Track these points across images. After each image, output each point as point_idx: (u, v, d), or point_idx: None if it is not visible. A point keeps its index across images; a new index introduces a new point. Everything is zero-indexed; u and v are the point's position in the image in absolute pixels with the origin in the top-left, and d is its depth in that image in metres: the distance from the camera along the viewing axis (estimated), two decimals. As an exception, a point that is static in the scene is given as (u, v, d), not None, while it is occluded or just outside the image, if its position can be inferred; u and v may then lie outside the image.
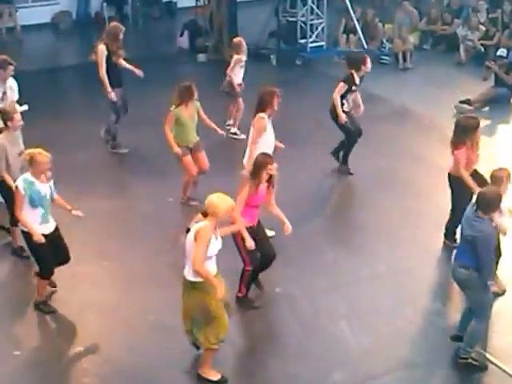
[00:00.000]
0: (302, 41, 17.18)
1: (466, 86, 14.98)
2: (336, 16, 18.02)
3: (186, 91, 9.91)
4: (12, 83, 10.16)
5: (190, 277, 6.66)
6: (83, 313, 8.08)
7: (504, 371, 7.18)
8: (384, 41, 17.52)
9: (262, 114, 9.18)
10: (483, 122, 13.34)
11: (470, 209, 6.95)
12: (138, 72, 11.68)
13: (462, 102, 13.82)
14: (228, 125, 12.67)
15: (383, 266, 8.91)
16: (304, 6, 17.00)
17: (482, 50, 16.88)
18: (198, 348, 7.15)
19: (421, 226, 9.76)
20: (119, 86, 11.57)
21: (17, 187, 7.65)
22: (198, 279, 6.63)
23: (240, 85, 12.54)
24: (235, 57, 12.46)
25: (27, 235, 7.79)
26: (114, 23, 11.80)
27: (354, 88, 10.92)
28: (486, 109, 14.09)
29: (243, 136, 11.39)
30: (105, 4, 20.49)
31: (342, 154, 11.28)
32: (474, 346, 7.20)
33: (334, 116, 10.95)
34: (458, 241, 7.62)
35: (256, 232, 7.86)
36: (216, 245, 6.71)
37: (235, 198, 7.56)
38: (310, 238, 9.55)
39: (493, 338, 7.67)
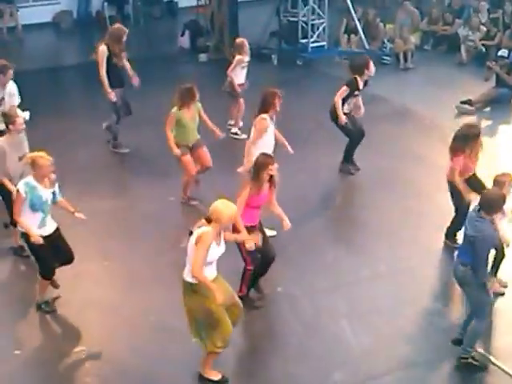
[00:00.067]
0: (303, 41, 17.18)
1: (467, 86, 14.98)
2: (337, 16, 18.01)
3: (188, 93, 9.90)
4: (12, 88, 10.13)
5: (189, 278, 6.67)
6: (84, 312, 8.08)
7: (504, 371, 7.19)
8: (385, 41, 17.52)
9: (264, 115, 9.20)
10: (484, 123, 13.47)
11: (474, 209, 6.98)
12: (134, 80, 11.67)
13: (463, 102, 13.83)
14: (229, 125, 12.69)
15: (384, 266, 8.92)
16: (305, 6, 16.99)
17: (483, 50, 16.88)
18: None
19: (421, 226, 9.76)
20: (119, 87, 11.56)
21: (18, 190, 7.64)
22: (196, 281, 6.65)
23: (242, 85, 12.54)
24: (237, 57, 12.46)
25: (26, 236, 7.78)
26: (117, 25, 11.77)
27: (356, 93, 10.91)
28: (487, 109, 14.08)
29: (244, 136, 11.40)
30: (106, 3, 20.50)
31: (344, 153, 11.28)
32: (474, 345, 7.20)
33: (334, 117, 10.95)
34: (460, 241, 7.62)
35: (256, 232, 7.85)
36: (217, 250, 6.68)
37: (236, 198, 7.59)
38: (310, 237, 9.55)
39: (493, 338, 7.68)
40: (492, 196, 6.87)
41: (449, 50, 17.63)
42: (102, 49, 11.31)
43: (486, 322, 7.20)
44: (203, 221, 6.66)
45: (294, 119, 12.78)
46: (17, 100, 10.12)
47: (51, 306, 8.13)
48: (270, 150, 8.98)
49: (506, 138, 12.84)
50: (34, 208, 7.63)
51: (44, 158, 7.61)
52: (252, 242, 7.56)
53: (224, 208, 6.58)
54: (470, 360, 7.18)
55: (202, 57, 17.29)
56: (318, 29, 17.24)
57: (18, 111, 9.13)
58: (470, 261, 6.91)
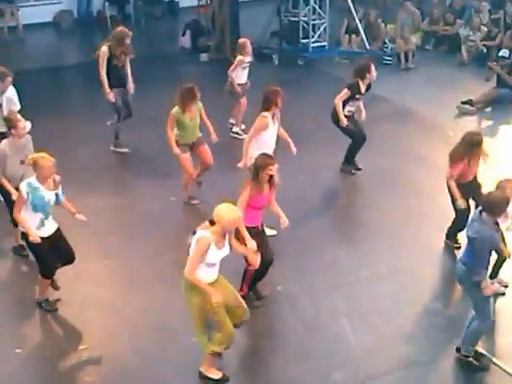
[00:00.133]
0: (304, 41, 17.17)
1: (468, 86, 14.98)
2: (338, 16, 18.01)
3: (188, 93, 9.88)
4: (11, 93, 10.10)
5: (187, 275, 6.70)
6: (85, 312, 8.09)
7: (505, 371, 7.19)
8: (386, 41, 17.50)
9: (265, 113, 9.20)
10: (485, 123, 13.48)
11: (476, 210, 6.99)
12: (129, 86, 11.66)
13: (463, 102, 13.82)
14: (231, 124, 12.70)
15: (384, 266, 8.92)
16: (306, 6, 16.99)
17: (484, 50, 16.87)
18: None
19: (422, 226, 9.76)
20: (119, 87, 11.57)
21: (20, 190, 7.63)
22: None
23: (242, 85, 12.52)
24: (238, 58, 12.45)
25: (26, 235, 7.78)
26: (120, 28, 11.74)
27: (357, 96, 10.89)
28: (488, 109, 14.08)
29: (245, 136, 11.39)
30: (107, 3, 20.50)
31: (345, 154, 11.28)
32: (475, 344, 7.20)
33: (336, 120, 10.93)
34: (461, 241, 7.64)
35: (258, 234, 7.85)
36: (218, 253, 6.65)
37: (236, 197, 7.58)
38: (311, 237, 9.56)
39: (494, 338, 7.68)
40: (495, 198, 6.86)
41: (450, 51, 17.62)
42: (104, 50, 11.34)
43: (488, 323, 7.20)
44: (207, 223, 6.66)
45: (295, 119, 12.75)
46: (17, 105, 10.11)
47: (52, 304, 8.14)
48: (270, 150, 8.98)
49: (507, 138, 12.83)
50: (35, 209, 7.62)
51: (45, 158, 7.59)
52: (254, 242, 7.53)
53: (226, 211, 6.55)
54: (470, 359, 7.19)
55: (203, 56, 17.30)
56: (318, 29, 17.23)
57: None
58: (468, 260, 6.94)
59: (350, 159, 11.29)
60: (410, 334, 7.77)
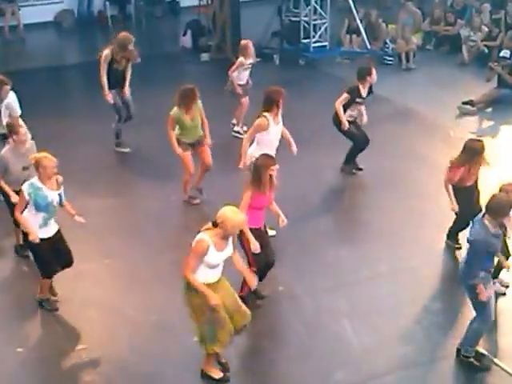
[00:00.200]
0: (305, 41, 17.15)
1: (468, 86, 14.96)
2: (339, 16, 18.00)
3: (188, 94, 9.87)
4: (12, 99, 10.09)
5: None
6: (85, 311, 8.09)
7: (506, 371, 7.18)
8: (387, 41, 17.48)
9: (265, 113, 9.18)
10: (486, 123, 13.47)
11: (480, 213, 6.97)
12: (124, 90, 11.64)
13: (464, 102, 13.81)
14: (232, 123, 12.70)
15: (385, 266, 8.91)
16: (307, 6, 16.95)
17: (485, 50, 16.85)
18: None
19: (423, 226, 9.75)
20: (117, 87, 11.58)
21: (22, 191, 7.62)
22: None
23: (243, 85, 12.50)
24: (239, 59, 12.43)
25: (26, 235, 7.77)
26: (124, 33, 11.67)
27: (358, 100, 10.85)
28: (489, 110, 14.06)
29: (245, 136, 11.37)
30: (108, 3, 20.47)
31: (346, 156, 11.26)
32: (476, 345, 7.19)
33: (337, 123, 10.90)
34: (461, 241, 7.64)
35: (261, 235, 7.83)
36: (219, 255, 6.62)
37: (237, 197, 7.58)
38: (311, 237, 9.55)
39: (495, 338, 7.67)
40: (499, 201, 6.82)
41: (451, 51, 17.60)
42: (106, 53, 11.37)
43: (489, 323, 7.19)
44: (209, 224, 6.64)
45: (296, 119, 12.72)
46: (18, 110, 10.09)
47: (52, 304, 8.13)
48: (272, 151, 8.96)
49: (508, 138, 12.82)
50: (38, 208, 7.61)
51: (48, 158, 7.59)
52: (257, 243, 7.52)
53: (230, 215, 6.51)
54: (471, 359, 7.18)
55: (204, 56, 17.27)
56: (319, 29, 17.19)
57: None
58: (466, 262, 6.96)
59: (350, 160, 11.28)
60: (410, 333, 7.77)
